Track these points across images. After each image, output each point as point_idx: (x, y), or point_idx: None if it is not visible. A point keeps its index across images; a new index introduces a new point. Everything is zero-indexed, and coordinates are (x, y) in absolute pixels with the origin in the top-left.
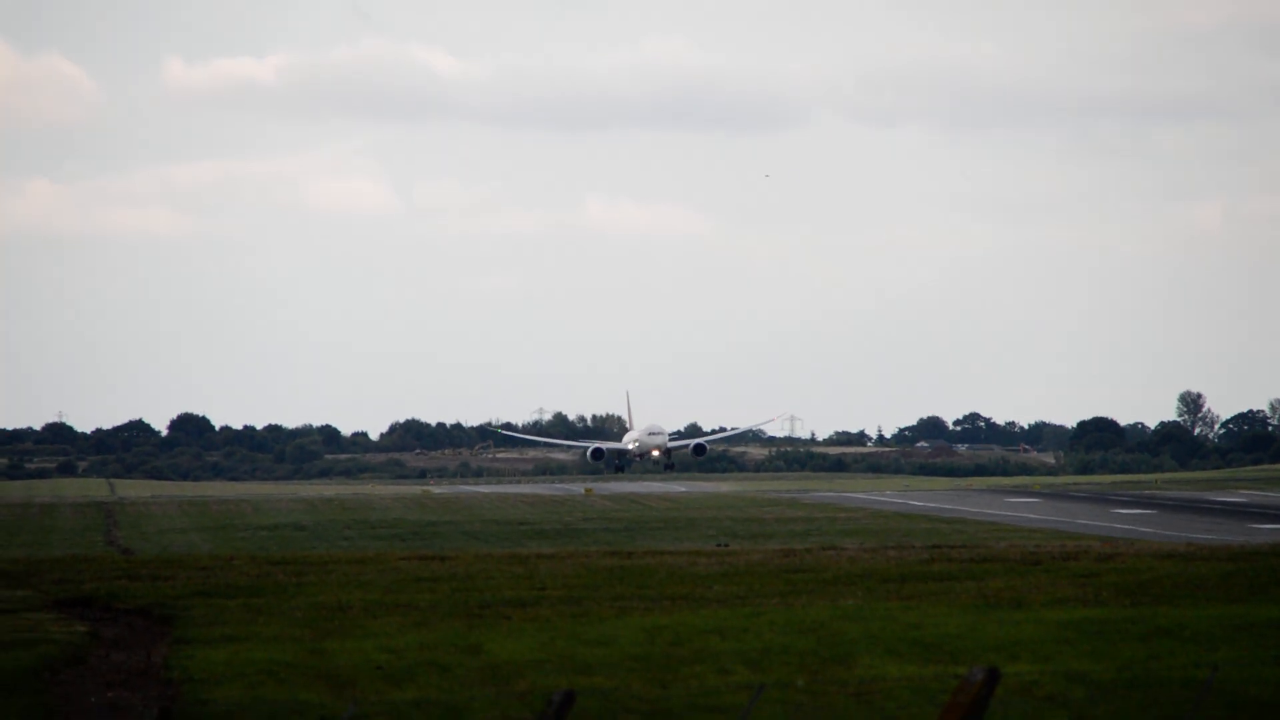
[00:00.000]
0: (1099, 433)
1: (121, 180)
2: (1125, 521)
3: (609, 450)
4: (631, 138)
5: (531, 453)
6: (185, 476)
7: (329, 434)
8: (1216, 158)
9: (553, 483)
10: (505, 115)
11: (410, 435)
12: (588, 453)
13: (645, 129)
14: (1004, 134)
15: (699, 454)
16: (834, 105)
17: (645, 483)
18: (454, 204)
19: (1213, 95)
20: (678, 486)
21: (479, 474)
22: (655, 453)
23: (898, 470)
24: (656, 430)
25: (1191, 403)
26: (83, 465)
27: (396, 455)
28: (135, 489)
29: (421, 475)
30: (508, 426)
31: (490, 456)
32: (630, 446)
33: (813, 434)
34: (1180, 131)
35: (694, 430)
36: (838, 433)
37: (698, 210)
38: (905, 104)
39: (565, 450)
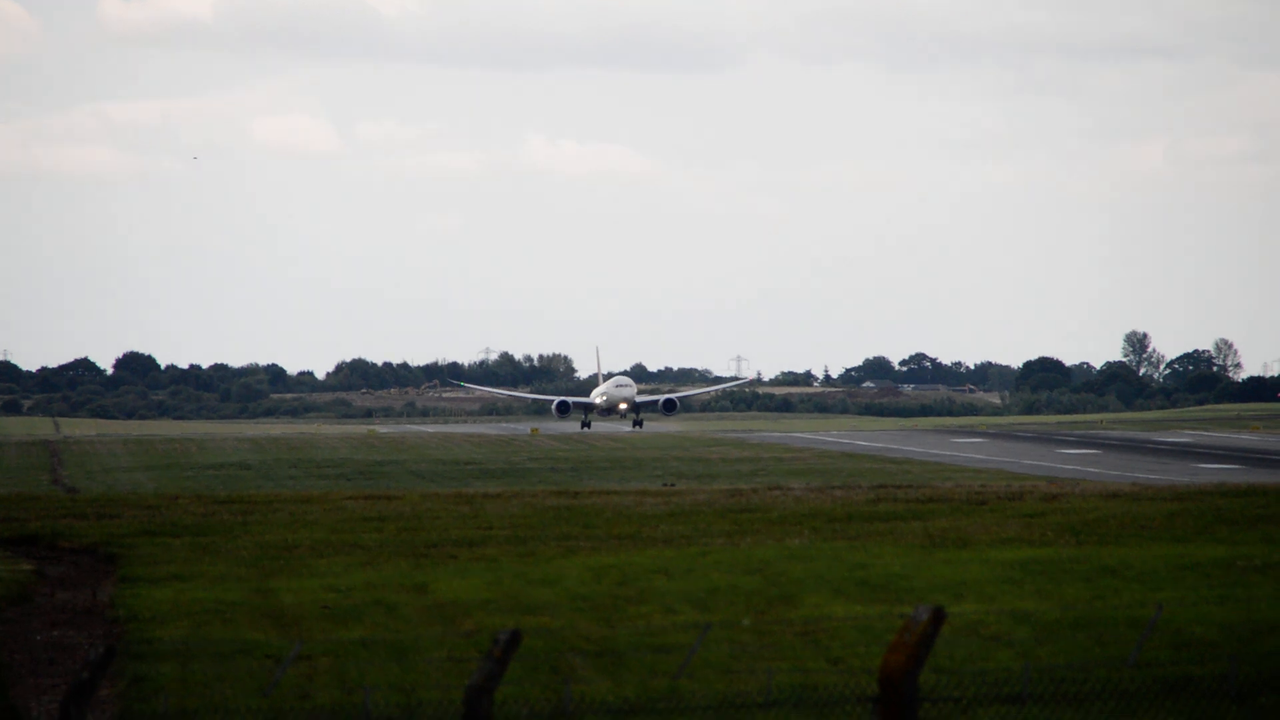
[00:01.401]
0: (1044, 373)
1: (62, 118)
2: (1071, 461)
3: (575, 404)
4: (573, 77)
5: (477, 391)
6: (130, 415)
7: (275, 373)
8: (1158, 97)
9: (499, 423)
10: (446, 54)
11: (356, 375)
12: (553, 406)
13: (586, 68)
14: (945, 73)
15: (669, 410)
16: (775, 44)
17: (592, 423)
18: (395, 142)
19: (1154, 34)
20: (624, 426)
21: (425, 414)
22: (623, 406)
23: (844, 410)
24: (624, 383)
25: (1137, 343)
26: (27, 404)
27: (343, 395)
28: (80, 428)
29: (368, 415)
30: (454, 367)
31: (437, 396)
32: (597, 400)
33: (759, 374)
34: (1122, 71)
35: (639, 370)
36: (784, 373)
37: (639, 150)
38: (846, 43)
39: (527, 401)
